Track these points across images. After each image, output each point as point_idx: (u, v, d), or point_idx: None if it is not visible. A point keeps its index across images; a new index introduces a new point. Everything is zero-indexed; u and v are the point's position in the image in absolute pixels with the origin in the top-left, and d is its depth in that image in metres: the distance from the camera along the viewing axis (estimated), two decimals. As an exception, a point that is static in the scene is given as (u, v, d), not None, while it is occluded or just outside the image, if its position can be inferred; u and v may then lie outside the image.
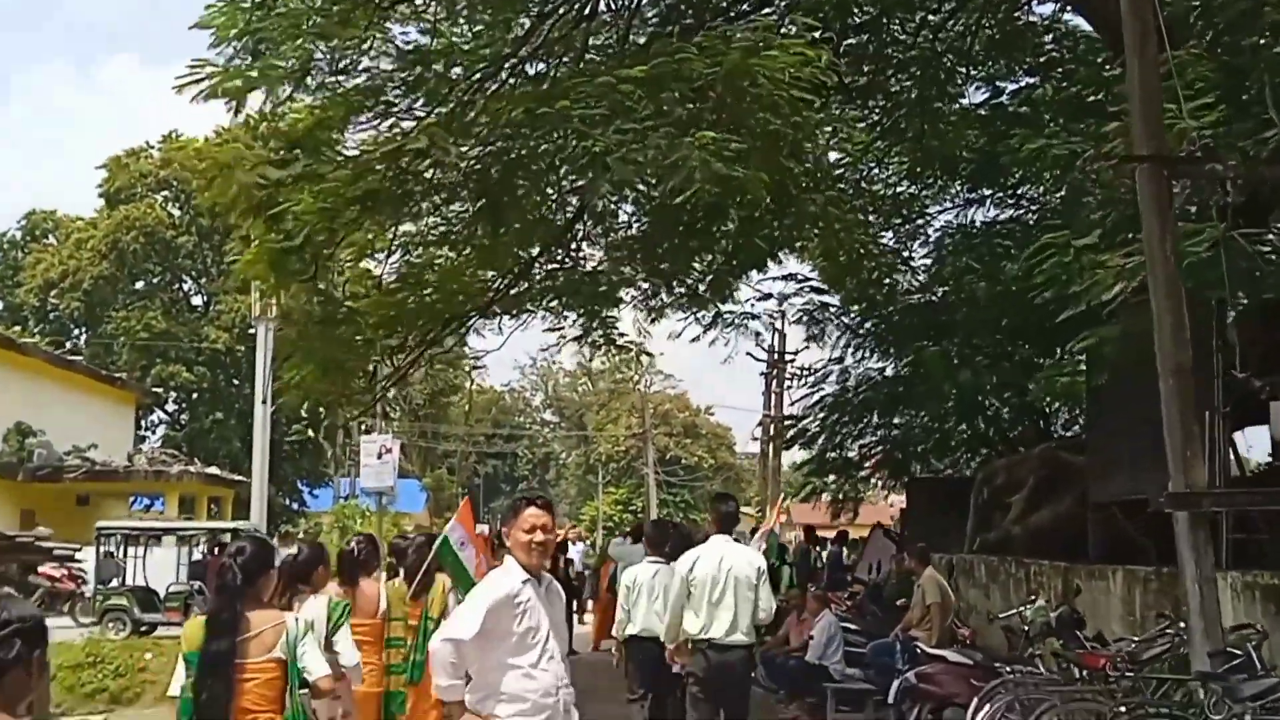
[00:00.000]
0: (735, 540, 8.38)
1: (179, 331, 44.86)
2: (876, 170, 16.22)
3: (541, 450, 76.00)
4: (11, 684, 2.82)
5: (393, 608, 7.64)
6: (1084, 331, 10.59)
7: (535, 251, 13.91)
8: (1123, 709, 7.17)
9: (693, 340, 15.96)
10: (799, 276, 17.27)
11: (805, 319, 18.04)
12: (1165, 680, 7.81)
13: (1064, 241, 10.27)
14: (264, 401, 26.00)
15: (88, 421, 35.91)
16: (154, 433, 46.19)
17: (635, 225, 15.10)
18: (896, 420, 17.81)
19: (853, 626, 13.55)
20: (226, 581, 5.09)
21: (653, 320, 15.69)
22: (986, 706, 8.36)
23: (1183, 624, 8.86)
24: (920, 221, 17.23)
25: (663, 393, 68.48)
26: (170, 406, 48.34)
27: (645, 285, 15.85)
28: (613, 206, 14.67)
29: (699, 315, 15.29)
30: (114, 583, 22.17)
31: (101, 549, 22.42)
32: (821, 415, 18.11)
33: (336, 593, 6.70)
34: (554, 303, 15.81)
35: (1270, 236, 10.37)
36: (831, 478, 18.82)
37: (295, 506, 48.14)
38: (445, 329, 14.60)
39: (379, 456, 30.22)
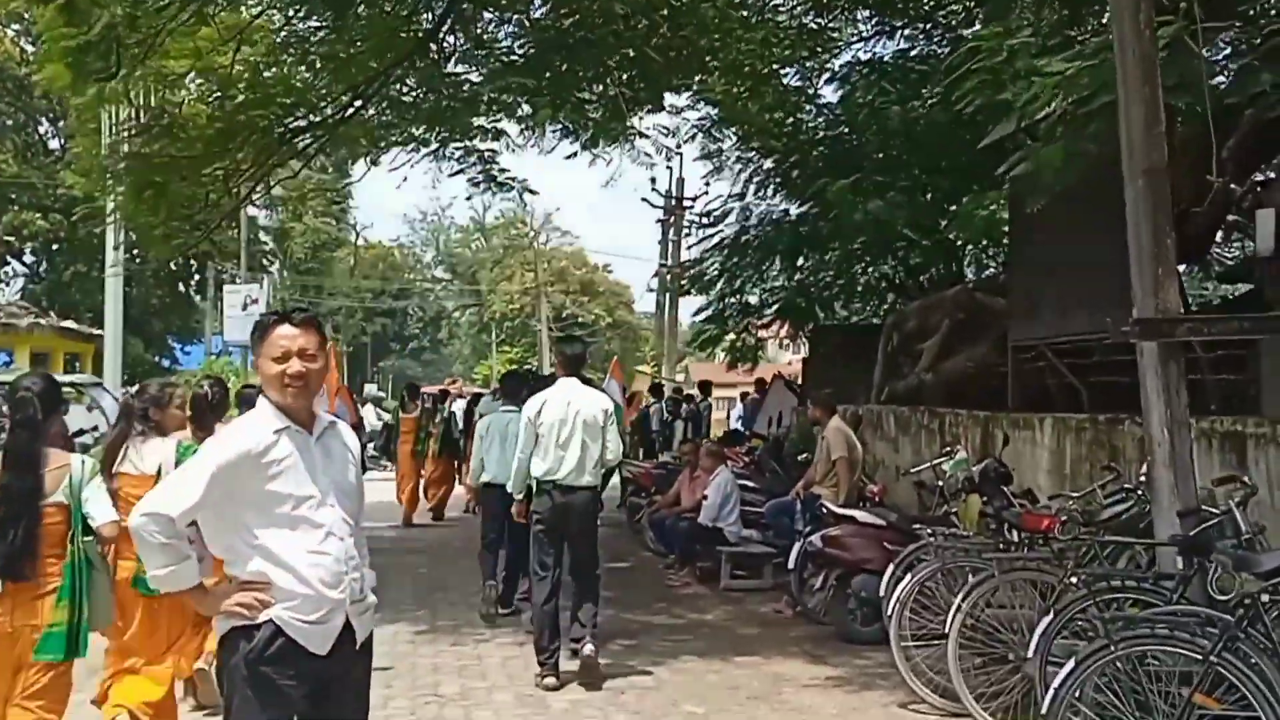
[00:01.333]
0: (585, 383, 8.05)
1: (32, 176, 41.42)
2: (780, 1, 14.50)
3: (433, 308, 73.80)
4: None
5: None
6: (1013, 157, 9.15)
7: (390, 61, 11.96)
8: (1076, 580, 5.91)
9: (568, 157, 14.07)
10: (698, 108, 15.57)
11: (704, 154, 16.42)
12: (1124, 546, 6.57)
13: (994, 40, 8.80)
14: (115, 248, 23.78)
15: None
16: (8, 285, 42.98)
17: (517, 47, 13.28)
18: (800, 264, 16.38)
19: (751, 485, 12.31)
20: (27, 416, 4.74)
21: (534, 144, 13.86)
22: (907, 576, 7.08)
23: (1130, 484, 7.71)
24: (826, 57, 15.55)
25: (559, 249, 66.60)
26: (29, 258, 45.09)
27: (528, 114, 14.12)
28: (488, 25, 12.93)
29: (585, 140, 13.48)
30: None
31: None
32: (720, 258, 16.57)
33: (186, 436, 6.12)
34: (424, 132, 14.03)
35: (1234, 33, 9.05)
36: (730, 326, 17.43)
37: (166, 363, 45.62)
38: (284, 146, 12.63)
39: (244, 307, 28.32)
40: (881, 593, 7.89)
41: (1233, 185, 8.49)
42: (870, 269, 16.32)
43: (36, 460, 4.74)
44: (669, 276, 25.47)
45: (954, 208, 13.05)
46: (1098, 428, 8.99)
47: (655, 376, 27.82)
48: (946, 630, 6.42)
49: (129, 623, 5.70)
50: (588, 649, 7.56)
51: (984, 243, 15.89)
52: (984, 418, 10.76)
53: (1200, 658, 4.59)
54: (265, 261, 47.71)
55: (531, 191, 18.31)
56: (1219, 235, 12.44)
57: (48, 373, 5.86)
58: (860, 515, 8.91)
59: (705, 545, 11.34)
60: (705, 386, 20.99)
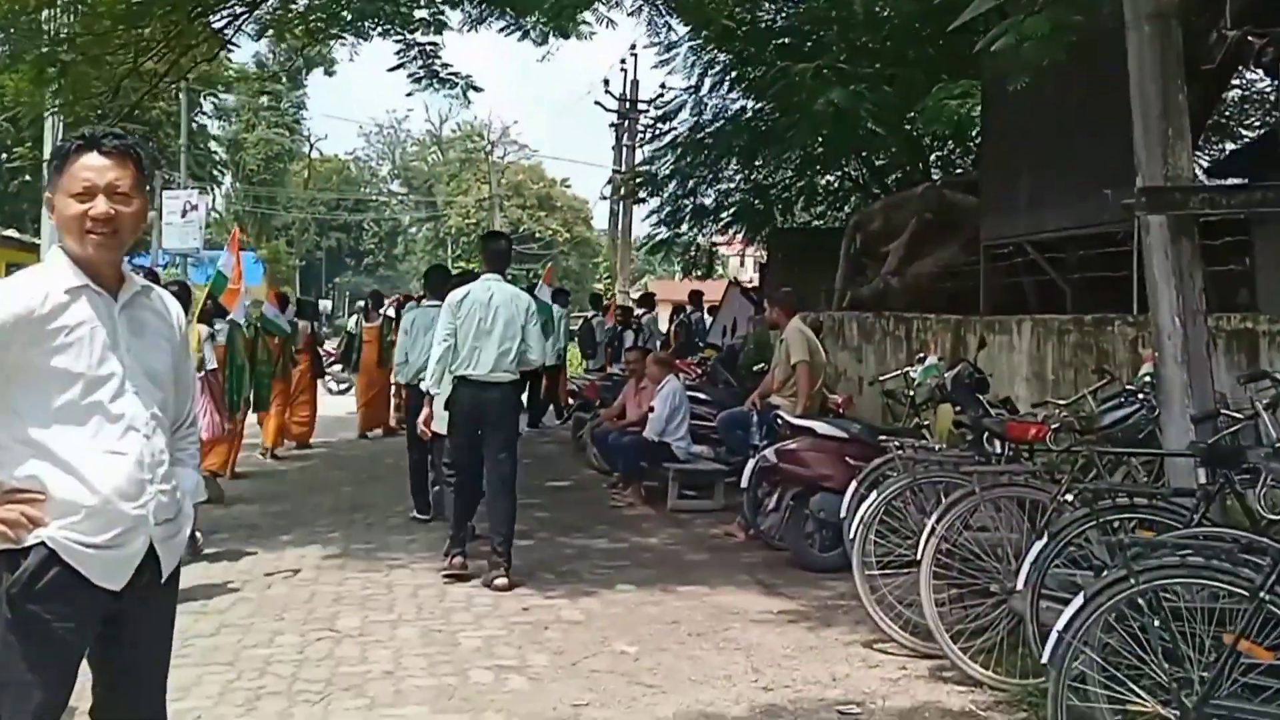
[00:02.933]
0: (507, 280, 7.77)
1: (-35, 80, 39.18)
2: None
3: (389, 223, 71.92)
4: None
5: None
6: (994, 30, 8.02)
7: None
8: (1073, 497, 4.92)
9: (504, 32, 12.69)
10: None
11: (653, 44, 15.09)
12: (1122, 459, 5.57)
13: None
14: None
15: None
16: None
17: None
18: (757, 164, 15.18)
19: (703, 396, 11.27)
20: None
21: (471, 30, 12.57)
22: (873, 494, 6.07)
23: (1132, 385, 6.71)
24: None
25: (517, 163, 64.83)
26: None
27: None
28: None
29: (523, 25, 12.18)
30: None
31: None
32: (673, 157, 15.32)
33: None
34: (359, 22, 12.77)
35: None
36: (684, 229, 16.24)
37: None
38: (198, 24, 11.31)
39: (183, 214, 26.81)
40: (843, 514, 6.91)
41: (1250, 38, 7.36)
42: (831, 170, 15.16)
43: None
44: (622, 183, 24.10)
45: (921, 106, 11.88)
46: (1083, 329, 8.00)
47: (607, 291, 26.64)
48: (918, 557, 5.43)
49: None
50: (499, 581, 7.16)
51: (951, 145, 14.81)
52: (955, 322, 9.76)
53: (1247, 594, 3.58)
54: (217, 173, 45.78)
55: (476, 88, 17.13)
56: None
57: None
58: (820, 427, 7.89)
59: (652, 462, 10.32)
60: (696, 297, 19.38)
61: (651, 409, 10.33)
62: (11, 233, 33.42)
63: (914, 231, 12.10)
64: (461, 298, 7.43)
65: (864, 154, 14.35)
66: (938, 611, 5.40)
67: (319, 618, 6.50)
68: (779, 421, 8.27)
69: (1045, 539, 4.72)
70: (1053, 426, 5.54)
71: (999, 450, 5.94)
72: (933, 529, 5.36)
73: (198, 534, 8.50)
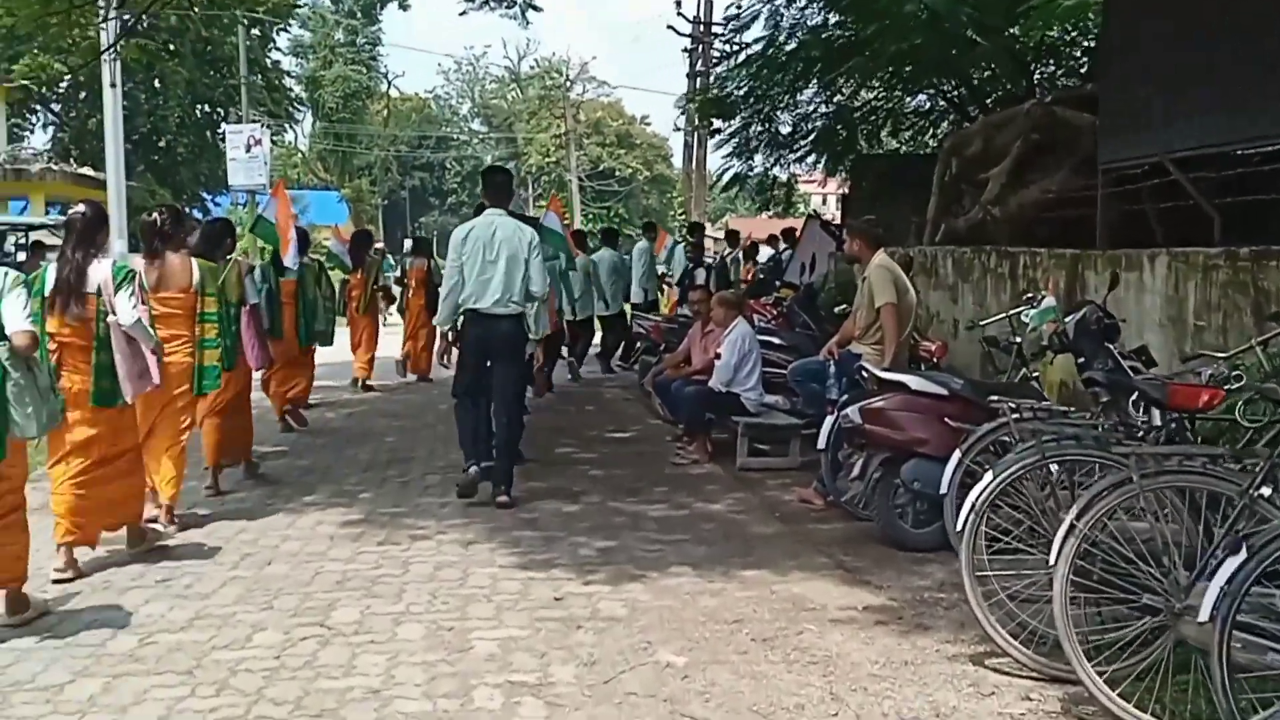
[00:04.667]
0: (511, 214, 7.71)
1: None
2: None
3: (470, 161, 70.87)
4: None
5: (206, 283, 6.87)
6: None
7: None
8: (1269, 491, 3.53)
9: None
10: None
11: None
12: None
13: None
14: (112, 85, 21.58)
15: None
16: (32, 134, 40.69)
17: None
18: (840, 85, 13.58)
19: (777, 341, 9.92)
20: None
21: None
22: (988, 474, 4.69)
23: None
24: None
25: (596, 101, 63.16)
26: (56, 106, 42.68)
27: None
28: None
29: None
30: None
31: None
32: (748, 76, 13.74)
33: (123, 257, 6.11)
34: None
35: None
36: (757, 161, 14.76)
37: (198, 214, 43.50)
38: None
39: (247, 150, 25.90)
40: (943, 488, 5.59)
41: None
42: (922, 88, 13.48)
43: None
44: (694, 110, 22.37)
45: (1029, 5, 10.19)
46: (1237, 264, 6.47)
47: (684, 228, 25.10)
48: (1052, 558, 4.08)
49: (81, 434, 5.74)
50: (500, 499, 7.39)
51: (1057, 64, 13.08)
52: (1072, 257, 8.24)
53: None
54: (293, 109, 44.89)
55: (535, 8, 16.05)
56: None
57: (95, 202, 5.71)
58: (913, 381, 6.49)
59: (718, 415, 9.02)
60: (789, 235, 17.37)
61: (718, 355, 9.01)
62: (86, 170, 33.11)
63: (1019, 155, 10.52)
64: (465, 234, 7.42)
65: (960, 70, 12.66)
66: (1074, 630, 4.06)
67: (313, 607, 5.35)
68: (862, 373, 6.91)
69: (1243, 554, 3.34)
70: (1236, 389, 4.11)
71: (1159, 420, 4.51)
72: (1072, 525, 4.00)
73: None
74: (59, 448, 5.79)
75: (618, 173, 60.13)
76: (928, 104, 14.10)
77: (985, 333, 7.95)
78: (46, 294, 5.66)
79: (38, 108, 40.80)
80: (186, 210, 40.91)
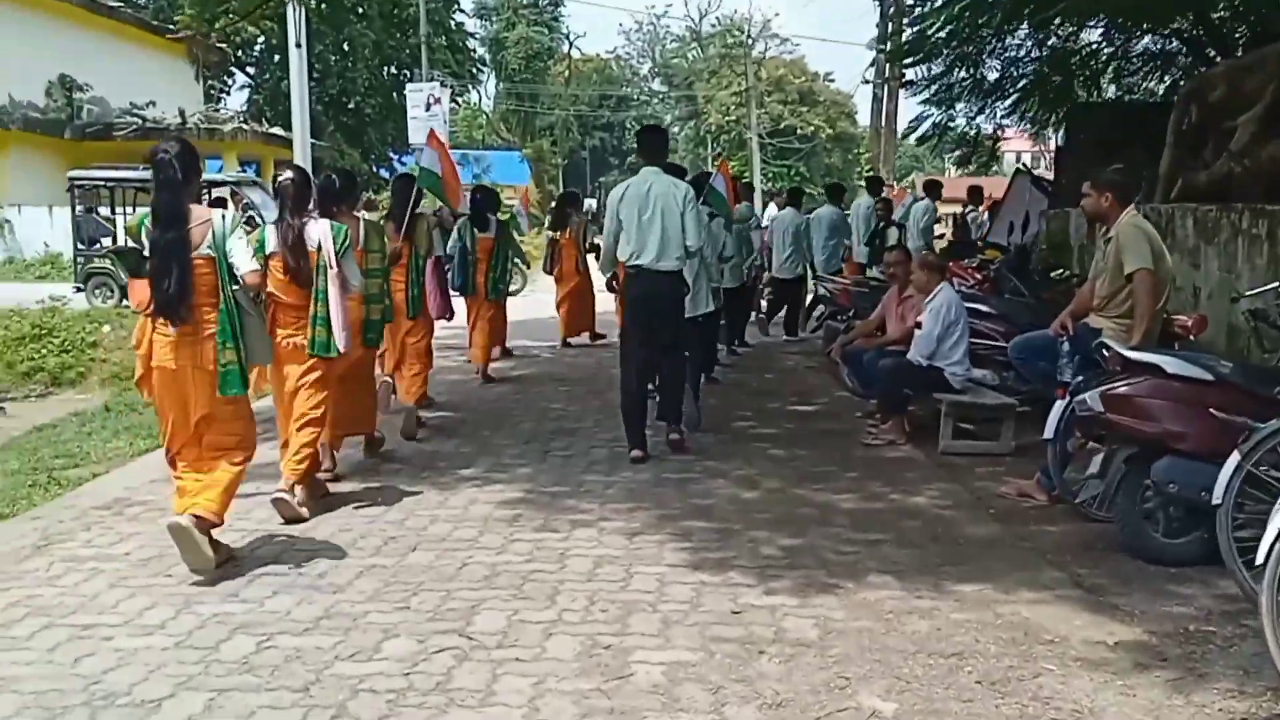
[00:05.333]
0: (668, 171, 7.67)
1: (242, -19, 39.59)
2: None
3: (650, 121, 70.16)
4: None
5: (369, 240, 6.93)
6: None
7: None
8: None
9: None
10: None
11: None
12: None
13: None
14: (297, 45, 21.55)
15: (144, 79, 32.06)
16: (228, 94, 41.87)
17: None
18: (1056, 25, 12.09)
19: (984, 309, 8.76)
20: (168, 177, 4.84)
21: None
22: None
23: None
24: None
25: (778, 58, 61.41)
26: (250, 69, 43.89)
27: None
28: None
29: None
30: (100, 244, 18.36)
31: (79, 204, 18.51)
32: (951, 18, 12.38)
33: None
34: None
35: None
36: (958, 110, 13.37)
37: (385, 174, 44.16)
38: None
39: (427, 108, 25.70)
40: (1215, 496, 4.49)
41: None
42: (1153, 27, 11.88)
43: (182, 217, 4.85)
44: (886, 58, 20.75)
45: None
46: None
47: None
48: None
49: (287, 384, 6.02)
50: (672, 437, 7.51)
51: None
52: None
53: None
54: (475, 70, 44.98)
55: None
56: None
57: (185, 139, 5.30)
58: (1169, 363, 5.31)
59: (918, 390, 7.96)
60: (975, 193, 15.78)
61: (918, 325, 7.93)
62: (277, 130, 33.86)
63: (1272, 100, 8.98)
64: (622, 192, 7.39)
65: (1198, 6, 11.05)
66: None
67: (454, 609, 4.62)
68: (1103, 353, 5.75)
69: None
70: None
71: None
72: None
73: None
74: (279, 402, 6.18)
75: (799, 131, 58.41)
76: (1157, 46, 12.46)
77: (1247, 305, 6.64)
78: (266, 254, 5.90)
79: (235, 71, 42.05)
80: (372, 170, 41.73)
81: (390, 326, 7.65)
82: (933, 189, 14.98)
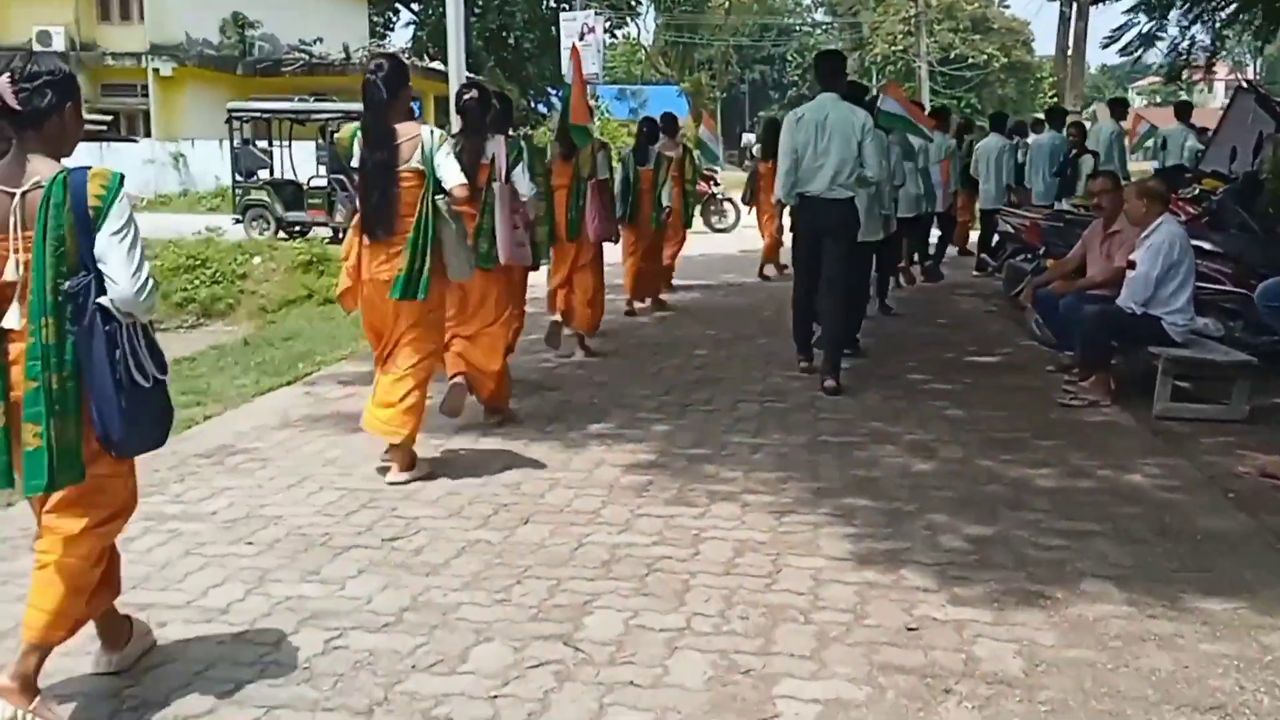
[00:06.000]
0: (845, 99, 7.20)
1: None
2: None
3: (812, 53, 67.72)
4: (50, 132, 2.90)
5: (533, 163, 6.53)
6: None
7: None
8: None
9: None
10: None
11: None
12: None
13: None
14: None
15: (311, 16, 32.21)
16: (393, 31, 41.83)
17: None
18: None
19: (1208, 247, 7.38)
20: (373, 97, 4.94)
21: None
22: None
23: None
24: None
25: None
26: (415, 4, 43.76)
27: None
28: None
29: None
30: (258, 176, 18.17)
31: (236, 136, 18.33)
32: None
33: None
34: None
35: None
36: (1172, 19, 11.62)
37: (543, 109, 43.63)
38: None
39: (580, 38, 24.74)
40: None
41: None
42: None
43: (389, 135, 4.91)
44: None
45: None
46: None
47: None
48: None
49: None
50: (827, 383, 7.05)
51: None
52: None
53: None
54: (633, 1, 43.73)
55: None
56: None
57: (395, 54, 5.61)
58: None
59: (1128, 342, 6.69)
60: (1184, 110, 13.71)
61: (1130, 264, 6.64)
62: (437, 65, 33.58)
63: None
64: (798, 118, 7.16)
65: None
66: None
67: (561, 606, 3.75)
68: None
69: None
70: None
71: None
72: None
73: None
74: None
75: (971, 60, 55.39)
76: None
77: None
78: None
79: (400, 7, 41.97)
80: (530, 105, 41.19)
81: (558, 257, 7.93)
82: (1118, 108, 13.30)
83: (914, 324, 9.88)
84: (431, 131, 4.98)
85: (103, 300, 2.84)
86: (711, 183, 19.19)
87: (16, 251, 2.83)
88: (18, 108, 2.84)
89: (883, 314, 10.02)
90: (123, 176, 2.96)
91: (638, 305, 10.41)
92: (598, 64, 25.46)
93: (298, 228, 17.24)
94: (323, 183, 17.47)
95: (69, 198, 2.81)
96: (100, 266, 2.85)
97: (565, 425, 6.23)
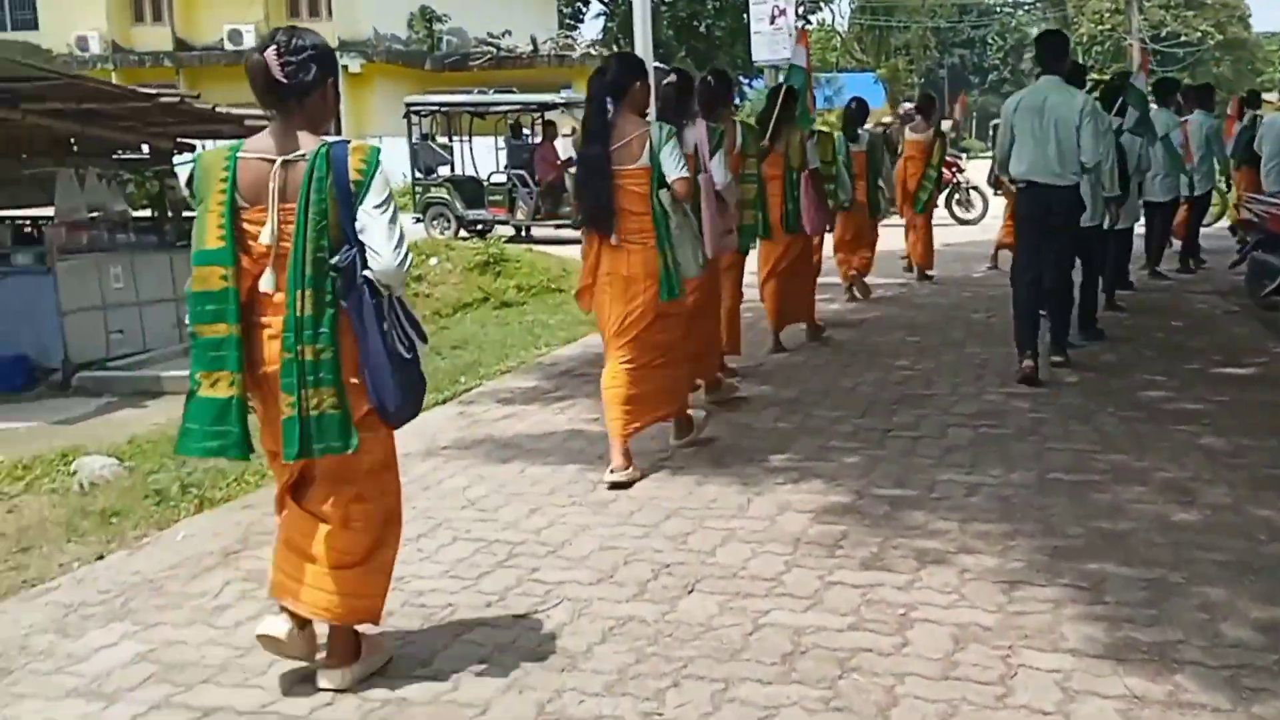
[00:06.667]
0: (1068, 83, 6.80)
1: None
2: None
3: (1014, 35, 64.32)
4: (313, 106, 2.92)
5: (746, 144, 6.73)
6: None
7: None
8: None
9: None
10: None
11: None
12: None
13: None
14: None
15: (502, 9, 32.17)
16: (582, 22, 41.65)
17: None
18: None
19: None
20: (593, 92, 4.89)
21: None
22: None
23: None
24: None
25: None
26: (608, -5, 43.53)
27: None
28: None
29: None
30: (437, 173, 17.89)
31: (415, 132, 18.07)
32: None
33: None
34: None
35: None
36: None
37: (734, 99, 42.64)
38: None
39: (771, 21, 23.65)
40: None
41: None
42: None
43: (603, 131, 4.84)
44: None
45: None
46: None
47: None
48: None
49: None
50: (1055, 358, 7.01)
51: None
52: None
53: None
54: (823, -16, 42.33)
55: None
56: None
57: (629, 53, 5.53)
58: None
59: None
60: (1252, 99, 13.31)
61: None
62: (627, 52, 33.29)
63: None
64: (1016, 103, 6.85)
65: None
66: None
67: (743, 706, 2.89)
68: None
69: None
70: None
71: None
72: None
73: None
74: None
75: (1183, 37, 51.44)
76: None
77: None
78: None
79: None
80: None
81: (769, 250, 7.62)
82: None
83: (1144, 327, 8.57)
84: (660, 126, 4.91)
85: (367, 273, 2.86)
86: (955, 170, 17.80)
87: (275, 222, 2.85)
88: (284, 80, 2.86)
89: (1114, 311, 8.91)
90: (380, 150, 2.98)
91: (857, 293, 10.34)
92: (789, 47, 24.35)
93: (479, 226, 16.88)
94: (503, 179, 17.06)
95: (331, 171, 2.83)
96: (362, 238, 2.86)
97: (743, 456, 5.36)
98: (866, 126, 10.44)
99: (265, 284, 2.87)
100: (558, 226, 16.96)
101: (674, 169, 4.85)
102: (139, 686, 3.19)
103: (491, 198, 16.85)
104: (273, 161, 2.85)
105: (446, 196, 16.76)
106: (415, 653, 3.36)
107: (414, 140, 17.90)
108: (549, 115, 18.15)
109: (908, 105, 20.90)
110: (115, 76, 27.76)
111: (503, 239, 14.38)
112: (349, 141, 2.94)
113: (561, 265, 12.70)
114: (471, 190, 17.10)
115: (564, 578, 3.88)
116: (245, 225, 2.86)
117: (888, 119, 20.45)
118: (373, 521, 3.09)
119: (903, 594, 3.66)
